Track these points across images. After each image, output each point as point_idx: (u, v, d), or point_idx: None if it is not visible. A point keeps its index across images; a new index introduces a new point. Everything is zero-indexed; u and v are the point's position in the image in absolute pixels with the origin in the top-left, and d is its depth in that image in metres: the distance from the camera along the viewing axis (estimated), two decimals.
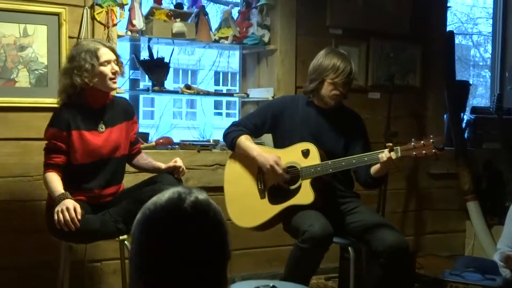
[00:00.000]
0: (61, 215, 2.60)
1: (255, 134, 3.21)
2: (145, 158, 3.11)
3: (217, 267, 1.24)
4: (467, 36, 10.76)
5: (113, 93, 3.04)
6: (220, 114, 17.71)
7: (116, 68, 2.81)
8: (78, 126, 2.79)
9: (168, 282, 1.20)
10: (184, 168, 2.96)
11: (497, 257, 3.24)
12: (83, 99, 2.82)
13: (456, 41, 5.23)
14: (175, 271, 1.20)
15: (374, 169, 2.90)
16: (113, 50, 2.86)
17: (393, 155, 2.75)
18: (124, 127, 2.96)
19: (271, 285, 2.33)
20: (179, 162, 2.95)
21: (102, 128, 2.87)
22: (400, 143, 2.83)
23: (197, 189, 1.27)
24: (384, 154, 2.76)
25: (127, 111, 3.01)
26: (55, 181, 2.73)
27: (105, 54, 2.78)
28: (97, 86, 2.79)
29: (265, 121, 3.13)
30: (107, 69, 2.77)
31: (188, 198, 1.23)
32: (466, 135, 4.80)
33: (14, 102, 3.22)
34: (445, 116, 4.65)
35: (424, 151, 2.73)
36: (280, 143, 3.11)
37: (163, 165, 2.99)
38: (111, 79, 2.80)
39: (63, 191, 2.69)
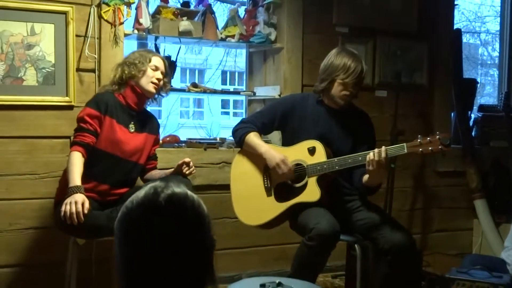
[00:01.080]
0: (68, 207, 2.64)
1: (264, 131, 3.21)
2: (158, 172, 3.16)
3: (200, 258, 1.25)
4: (475, 34, 10.72)
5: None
6: (227, 113, 17.72)
7: (161, 77, 2.99)
8: (112, 115, 2.90)
9: (152, 277, 1.21)
10: (193, 167, 2.98)
11: (504, 255, 3.22)
12: (124, 94, 2.96)
13: (464, 40, 5.22)
14: (157, 264, 1.21)
15: (366, 177, 2.89)
16: (165, 63, 3.05)
17: (377, 155, 2.74)
18: (147, 138, 3.07)
19: (277, 281, 2.33)
20: (187, 159, 2.98)
21: (132, 129, 2.99)
22: (406, 141, 2.83)
23: (175, 183, 1.28)
24: (370, 154, 2.76)
25: (153, 127, 3.14)
26: (77, 166, 2.77)
27: (157, 60, 3.01)
28: (139, 84, 2.94)
29: (274, 119, 3.12)
30: (152, 72, 2.96)
31: (164, 191, 1.25)
32: (473, 133, 4.79)
33: (22, 101, 3.24)
34: (452, 114, 4.64)
35: (430, 148, 2.72)
36: (288, 141, 3.11)
37: (174, 170, 3.02)
38: (152, 82, 2.95)
39: (79, 183, 2.73)
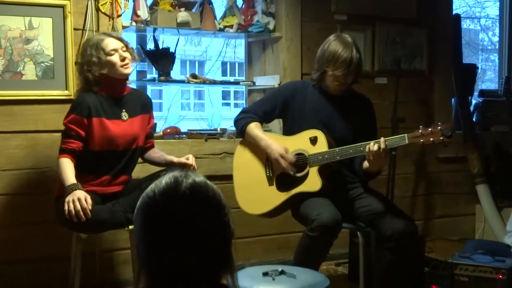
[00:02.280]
0: (71, 205, 2.63)
1: (265, 120, 3.21)
2: (157, 151, 3.14)
3: (220, 246, 1.26)
4: (475, 20, 10.68)
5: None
6: (228, 104, 17.72)
7: (125, 54, 2.88)
8: (99, 114, 2.85)
9: (173, 265, 1.22)
10: (196, 166, 2.98)
11: (509, 240, 3.23)
12: (102, 88, 2.89)
13: (464, 26, 5.21)
14: (179, 253, 1.22)
15: (366, 163, 2.89)
16: (119, 39, 2.92)
17: (376, 147, 2.74)
18: (142, 119, 3.03)
19: (280, 269, 2.34)
20: (191, 159, 2.98)
21: (125, 116, 2.94)
22: (407, 128, 2.84)
23: (193, 173, 1.29)
24: (370, 145, 2.76)
25: (145, 104, 3.08)
26: (68, 169, 2.76)
27: (110, 43, 2.86)
28: (112, 75, 2.87)
29: (275, 107, 3.12)
30: (114, 58, 2.85)
31: (185, 181, 1.26)
32: (474, 118, 4.78)
33: (22, 95, 3.24)
34: (452, 100, 4.63)
35: (431, 138, 2.71)
36: (289, 129, 3.10)
37: (175, 159, 3.01)
38: (121, 65, 2.86)
39: (75, 181, 2.72)
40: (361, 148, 2.83)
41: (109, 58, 2.84)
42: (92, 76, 2.83)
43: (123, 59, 2.86)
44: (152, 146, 3.15)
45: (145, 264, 1.25)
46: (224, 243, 1.27)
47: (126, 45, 2.92)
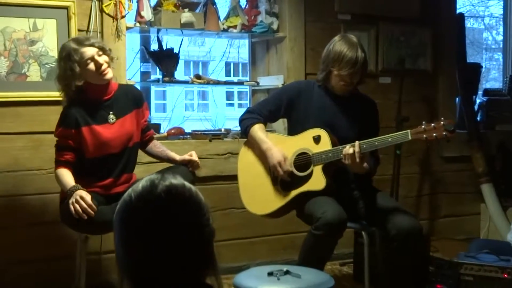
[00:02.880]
0: (77, 205, 2.63)
1: (270, 120, 3.21)
2: (159, 146, 3.12)
3: (200, 247, 1.26)
4: (479, 19, 10.66)
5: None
6: (232, 105, 17.73)
7: (101, 60, 2.77)
8: (87, 122, 2.82)
9: (153, 267, 1.22)
10: (199, 162, 2.98)
11: (510, 237, 3.22)
12: (86, 95, 2.84)
13: (468, 25, 5.21)
14: (159, 255, 1.22)
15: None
16: (91, 44, 2.78)
17: (351, 150, 2.77)
18: (135, 115, 2.97)
19: (284, 269, 2.34)
20: (194, 156, 2.98)
21: (112, 119, 2.88)
22: (411, 127, 2.82)
23: (171, 175, 1.29)
24: (346, 149, 2.79)
25: (136, 98, 3.00)
26: (66, 176, 2.77)
27: (83, 53, 2.75)
28: (93, 83, 2.81)
29: (280, 106, 3.12)
30: (91, 67, 2.75)
31: (161, 183, 1.25)
32: (478, 117, 4.77)
33: (26, 96, 3.25)
34: (457, 99, 4.62)
35: (434, 134, 2.71)
36: (294, 128, 3.11)
37: (177, 156, 3.01)
38: (100, 73, 2.78)
39: (74, 183, 2.73)
40: (364, 146, 2.82)
41: (86, 68, 2.74)
42: (73, 87, 2.75)
43: (101, 64, 2.76)
44: (151, 139, 3.12)
45: (126, 269, 1.25)
46: (204, 243, 1.26)
47: (100, 47, 2.80)
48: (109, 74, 2.81)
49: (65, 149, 2.81)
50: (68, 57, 2.73)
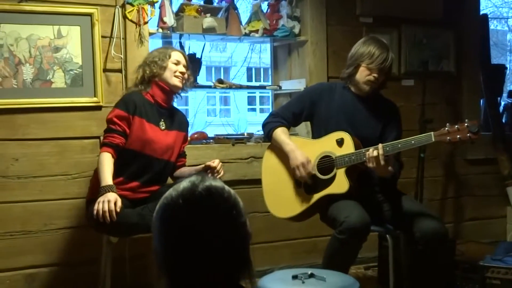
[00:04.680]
0: (100, 206, 2.67)
1: (294, 123, 3.22)
2: (187, 168, 3.18)
3: (238, 249, 1.27)
4: (503, 20, 10.55)
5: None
6: (254, 110, 17.77)
7: (184, 70, 3.00)
8: (141, 114, 2.92)
9: (190, 267, 1.24)
10: (221, 171, 2.99)
11: None
12: (150, 91, 2.99)
13: (492, 26, 5.16)
14: (196, 255, 1.23)
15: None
16: (185, 57, 3.08)
17: (375, 152, 2.76)
18: (178, 136, 3.09)
19: (309, 272, 2.34)
20: (216, 163, 3.00)
21: (162, 126, 3.01)
22: (435, 129, 2.80)
23: (211, 177, 1.32)
24: (369, 152, 2.78)
25: (183, 123, 3.17)
26: (107, 166, 2.80)
27: (177, 55, 3.03)
28: (164, 80, 2.97)
29: (303, 109, 3.13)
30: (174, 67, 2.98)
31: (201, 184, 1.28)
32: (504, 119, 4.72)
33: (51, 103, 3.28)
34: (481, 101, 4.59)
35: (458, 136, 2.69)
36: (317, 130, 3.11)
37: (201, 166, 3.05)
38: (176, 76, 2.98)
39: (111, 182, 2.76)
40: (388, 149, 2.81)
41: (170, 64, 2.98)
42: (149, 72, 2.96)
43: (180, 72, 2.99)
44: (183, 165, 3.19)
45: (164, 266, 1.27)
46: (240, 245, 1.28)
47: (188, 65, 3.07)
48: (180, 84, 3.02)
49: (117, 132, 2.87)
50: (164, 52, 3.02)
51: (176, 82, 2.98)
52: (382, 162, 2.77)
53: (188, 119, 3.36)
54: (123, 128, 2.87)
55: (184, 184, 1.29)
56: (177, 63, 2.99)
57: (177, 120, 3.10)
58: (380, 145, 2.78)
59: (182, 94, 3.19)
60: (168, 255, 1.26)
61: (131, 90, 3.04)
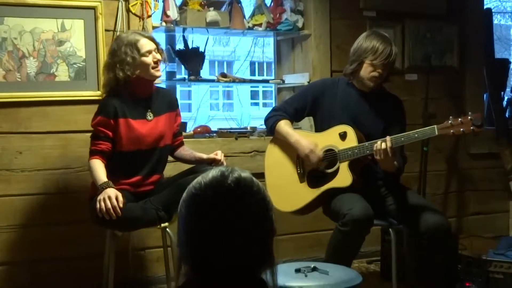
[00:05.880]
0: (103, 204, 2.65)
1: (296, 118, 3.21)
2: (187, 149, 3.16)
3: (263, 242, 1.27)
4: (506, 15, 10.52)
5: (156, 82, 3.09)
6: (257, 104, 17.76)
7: (158, 56, 2.89)
8: (125, 115, 2.86)
9: (215, 257, 1.23)
10: (224, 162, 3.00)
11: None
12: (128, 89, 2.89)
13: (495, 21, 5.14)
14: (221, 246, 1.23)
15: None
16: (152, 40, 2.92)
17: (383, 145, 2.76)
18: (169, 117, 3.03)
19: (312, 266, 2.34)
20: (219, 155, 3.00)
21: (150, 117, 2.94)
22: (438, 123, 2.80)
23: (239, 168, 1.31)
24: (377, 144, 2.79)
25: (171, 102, 3.07)
26: (99, 169, 2.79)
27: (145, 44, 2.85)
28: (142, 76, 2.87)
29: (306, 104, 3.12)
30: (148, 59, 2.85)
31: (231, 175, 1.27)
32: (507, 113, 4.71)
33: (55, 96, 3.29)
34: (484, 95, 4.58)
35: (462, 129, 2.70)
36: (320, 125, 3.11)
37: (205, 156, 3.04)
38: (153, 67, 2.87)
39: (106, 179, 2.75)
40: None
41: (143, 59, 2.83)
42: (123, 75, 2.81)
43: (156, 61, 2.87)
44: (181, 144, 3.17)
45: (186, 255, 1.27)
46: (265, 238, 1.28)
47: (157, 45, 2.92)
48: (159, 72, 2.92)
49: (102, 138, 2.84)
50: (130, 45, 2.81)
51: (156, 73, 2.89)
52: (390, 155, 2.77)
53: (190, 113, 3.34)
54: (106, 133, 2.84)
55: (213, 173, 1.28)
56: (148, 53, 2.84)
57: (164, 102, 3.02)
58: (388, 138, 2.78)
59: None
60: (193, 245, 1.26)
61: (108, 93, 2.91)
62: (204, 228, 1.24)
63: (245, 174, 1.29)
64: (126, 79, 2.83)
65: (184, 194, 1.30)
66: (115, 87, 2.87)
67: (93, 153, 2.84)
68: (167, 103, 3.04)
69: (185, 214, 1.28)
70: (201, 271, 1.25)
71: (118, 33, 3.34)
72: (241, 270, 1.25)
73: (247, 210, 1.25)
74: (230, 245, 1.23)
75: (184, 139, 3.25)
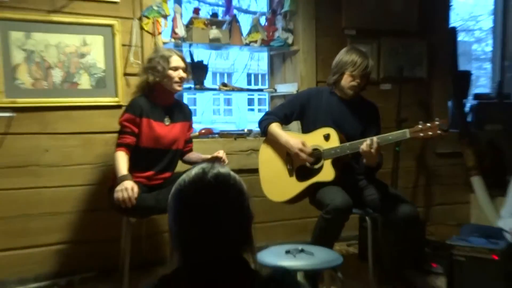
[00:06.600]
0: (120, 194, 2.68)
1: (285, 122, 3.22)
2: (195, 154, 3.19)
3: (241, 227, 1.28)
4: (469, 33, 10.53)
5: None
6: (253, 109, 17.75)
7: (183, 75, 2.95)
8: (148, 115, 2.91)
9: (201, 242, 1.25)
10: (226, 160, 3.02)
11: (501, 223, 3.19)
12: (153, 95, 2.94)
13: (459, 38, 5.16)
14: (206, 232, 1.24)
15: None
16: (183, 60, 2.98)
17: (370, 145, 2.77)
18: (183, 126, 3.08)
19: (300, 248, 2.35)
20: (221, 153, 3.02)
21: (167, 122, 2.99)
22: (409, 127, 2.82)
23: (219, 165, 1.32)
24: (367, 142, 2.79)
25: (186, 114, 3.13)
26: (122, 161, 2.82)
27: (175, 61, 2.93)
28: (165, 86, 2.93)
29: (294, 110, 3.14)
30: (174, 74, 2.92)
31: (211, 171, 1.28)
32: (469, 118, 4.73)
33: (78, 102, 3.30)
34: (449, 102, 4.60)
35: (430, 133, 2.70)
36: (306, 128, 3.12)
37: (209, 156, 3.06)
38: (176, 82, 2.92)
39: (126, 172, 2.77)
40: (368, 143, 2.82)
41: (170, 72, 2.90)
42: (152, 79, 2.90)
43: (180, 78, 2.93)
44: (190, 150, 3.20)
45: (177, 242, 1.28)
46: (243, 223, 1.29)
47: (186, 67, 2.99)
48: (180, 88, 2.97)
49: (128, 133, 2.87)
50: (163, 58, 2.91)
51: (176, 87, 2.94)
52: (373, 153, 2.78)
53: (195, 117, 3.36)
54: (132, 129, 2.88)
55: (195, 170, 1.30)
56: (176, 69, 2.92)
57: (180, 112, 3.08)
58: (374, 138, 2.78)
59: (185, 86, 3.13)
60: (181, 233, 1.27)
61: (137, 94, 3.00)
62: (189, 218, 1.25)
63: (224, 170, 1.30)
64: (154, 84, 2.91)
65: (172, 190, 1.30)
66: (145, 89, 2.94)
67: (119, 146, 2.87)
68: (183, 114, 3.09)
69: (172, 206, 1.28)
70: (189, 255, 1.26)
71: (133, 48, 3.35)
72: (225, 252, 1.26)
73: (225, 201, 1.26)
74: (213, 231, 1.24)
75: (192, 145, 3.26)
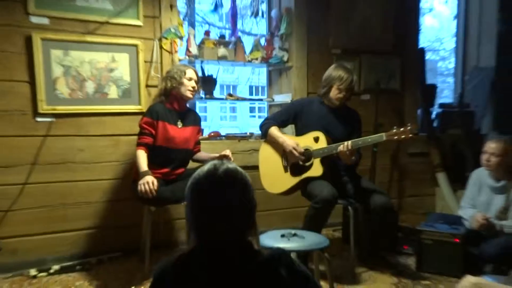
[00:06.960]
0: (142, 187, 2.68)
1: (282, 126, 3.22)
2: (203, 153, 3.17)
3: (247, 214, 1.29)
4: (436, 52, 10.56)
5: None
6: (254, 116, 17.75)
7: (194, 85, 2.96)
8: (163, 119, 2.90)
9: (213, 228, 1.25)
10: (231, 158, 3.00)
11: (461, 212, 3.19)
12: (169, 101, 2.94)
13: (427, 56, 5.15)
14: (217, 219, 1.25)
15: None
16: (196, 73, 3.00)
17: (344, 147, 2.79)
18: (193, 130, 3.07)
19: (293, 232, 2.34)
20: (228, 152, 3.01)
21: (180, 125, 2.98)
22: (385, 131, 2.81)
23: (228, 162, 1.33)
24: (343, 144, 2.80)
25: (196, 120, 3.12)
26: (142, 158, 2.82)
27: (190, 73, 2.96)
28: (179, 93, 2.92)
29: (289, 116, 3.13)
30: (188, 83, 2.94)
31: (221, 167, 1.29)
32: (435, 124, 4.73)
33: (108, 109, 3.29)
34: (418, 110, 4.59)
35: (403, 136, 2.71)
36: (299, 131, 3.12)
37: (217, 154, 3.05)
38: (189, 90, 2.93)
39: (146, 168, 2.77)
40: (352, 144, 2.81)
41: (184, 80, 2.93)
42: (170, 85, 2.92)
43: (192, 87, 2.94)
44: (199, 150, 3.18)
45: (192, 226, 1.28)
46: (248, 211, 1.29)
47: (198, 80, 3.02)
48: (191, 96, 2.97)
49: (146, 134, 2.87)
50: (180, 70, 2.95)
51: (189, 94, 2.94)
52: (348, 154, 2.78)
53: (205, 122, 3.34)
54: (150, 131, 2.87)
55: (208, 166, 1.30)
56: (190, 79, 2.94)
57: (191, 118, 3.07)
58: (349, 142, 2.80)
59: (196, 97, 3.14)
60: (196, 219, 1.27)
61: (156, 101, 3.00)
62: (203, 206, 1.26)
63: (232, 166, 1.31)
64: (171, 90, 2.92)
65: (188, 183, 1.31)
66: (163, 96, 2.94)
67: (140, 145, 2.86)
68: (193, 119, 3.08)
69: (189, 196, 1.29)
70: (203, 238, 1.27)
71: (153, 64, 3.34)
72: (234, 235, 1.26)
73: (233, 192, 1.27)
74: (222, 217, 1.24)
75: (201, 141, 3.25)
